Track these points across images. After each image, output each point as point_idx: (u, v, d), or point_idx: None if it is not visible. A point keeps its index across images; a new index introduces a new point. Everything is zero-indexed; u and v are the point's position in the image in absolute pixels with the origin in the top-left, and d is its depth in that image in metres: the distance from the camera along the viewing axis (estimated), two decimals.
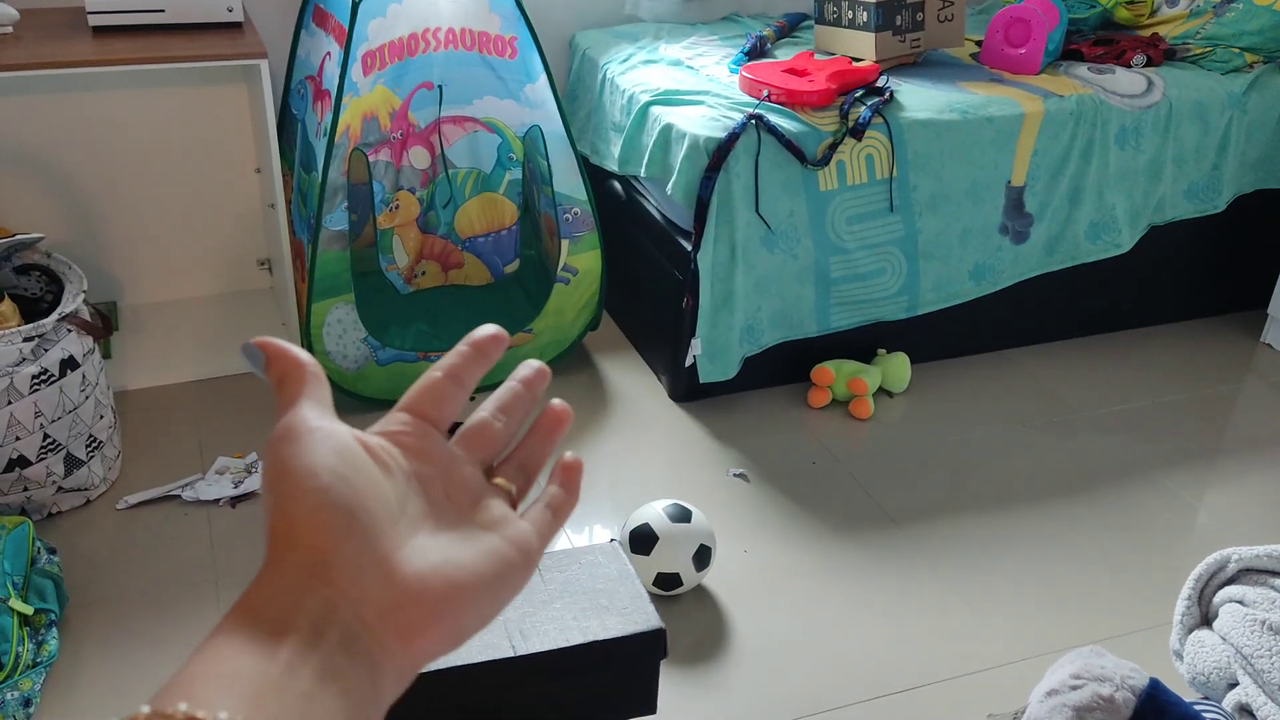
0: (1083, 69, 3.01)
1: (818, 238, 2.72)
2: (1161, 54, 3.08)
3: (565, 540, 2.34)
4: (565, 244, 2.78)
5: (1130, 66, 3.03)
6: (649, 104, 2.77)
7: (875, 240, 2.78)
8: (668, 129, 2.68)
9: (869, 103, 2.70)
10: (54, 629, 1.98)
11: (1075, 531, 2.45)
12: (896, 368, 2.89)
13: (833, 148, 2.63)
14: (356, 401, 2.70)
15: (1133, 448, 2.76)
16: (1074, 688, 1.13)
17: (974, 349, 3.11)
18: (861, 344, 2.91)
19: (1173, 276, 3.26)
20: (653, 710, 1.37)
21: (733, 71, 2.91)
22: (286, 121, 2.93)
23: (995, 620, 2.20)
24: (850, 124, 2.65)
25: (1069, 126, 2.85)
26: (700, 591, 2.23)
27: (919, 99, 2.78)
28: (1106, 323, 3.26)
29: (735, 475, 2.59)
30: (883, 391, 2.91)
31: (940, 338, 3.02)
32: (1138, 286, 3.22)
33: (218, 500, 2.41)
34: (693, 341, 2.72)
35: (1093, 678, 1.13)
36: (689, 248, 2.66)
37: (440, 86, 2.77)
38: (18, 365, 2.15)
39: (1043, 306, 3.11)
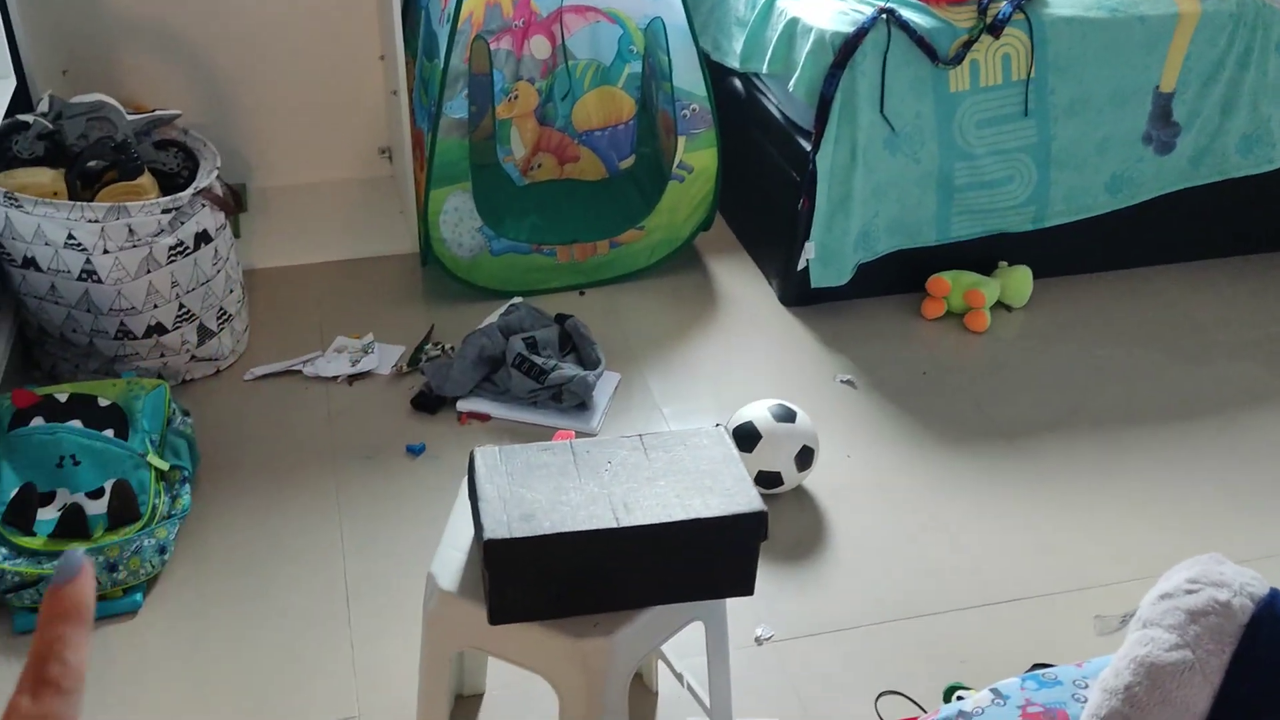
0: None
1: (943, 142, 2.62)
2: None
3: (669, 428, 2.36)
4: (682, 141, 2.75)
5: None
6: None
7: (1005, 146, 2.66)
8: (793, 23, 2.59)
9: None
10: (187, 485, 2.11)
11: (1197, 458, 2.36)
12: (1018, 281, 2.79)
13: (967, 45, 2.51)
14: (471, 290, 2.75)
15: (1267, 376, 2.62)
16: (1189, 592, 1.10)
17: (1102, 265, 2.98)
18: (981, 255, 2.82)
19: None
20: (750, 591, 1.39)
21: None
22: (410, 8, 2.94)
23: (1106, 540, 2.14)
24: (988, 20, 2.52)
25: (1227, 30, 2.65)
26: (800, 492, 2.24)
27: None
28: (1250, 244, 3.07)
29: (843, 382, 2.56)
30: (1001, 305, 2.82)
31: (1067, 252, 2.90)
32: None
33: (336, 377, 2.50)
34: (806, 245, 2.67)
35: (1210, 583, 1.09)
36: (808, 148, 2.60)
37: None
38: (156, 236, 2.25)
39: (1182, 223, 2.95)
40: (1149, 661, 1.08)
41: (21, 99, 2.51)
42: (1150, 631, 1.10)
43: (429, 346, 2.58)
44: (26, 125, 2.35)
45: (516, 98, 2.89)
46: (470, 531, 1.47)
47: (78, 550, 0.44)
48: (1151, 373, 2.62)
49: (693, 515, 1.32)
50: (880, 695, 1.82)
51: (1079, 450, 2.36)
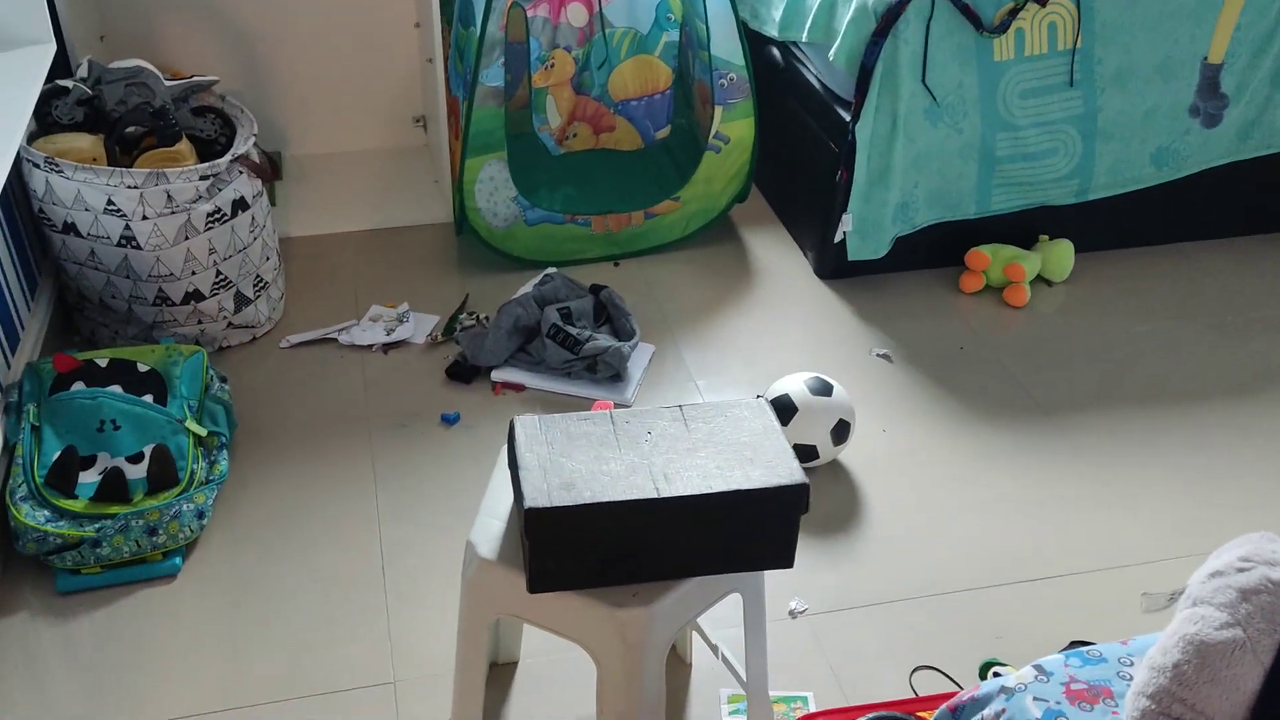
0: None
1: (986, 112, 2.58)
2: None
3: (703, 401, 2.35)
4: (719, 111, 2.72)
5: None
6: None
7: (1050, 117, 2.61)
8: None
9: None
10: (224, 450, 2.13)
11: (1240, 435, 2.32)
12: (1059, 255, 2.75)
13: (1013, 13, 2.46)
14: (505, 260, 2.74)
15: None
16: (1241, 570, 1.08)
17: (1145, 240, 2.93)
18: (1022, 228, 2.78)
19: None
20: (790, 564, 1.38)
21: None
22: None
23: (1146, 517, 2.11)
24: None
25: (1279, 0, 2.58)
26: (836, 466, 2.22)
27: None
28: None
29: (878, 355, 2.53)
30: (1041, 280, 2.78)
31: (1109, 226, 2.85)
32: None
33: (371, 346, 2.51)
34: (844, 217, 2.64)
35: (1263, 561, 1.07)
36: (847, 118, 2.56)
37: None
38: (194, 202, 2.26)
39: (1227, 198, 2.88)
40: (1199, 640, 1.06)
41: (61, 64, 2.52)
42: (1200, 609, 1.08)
43: (464, 316, 2.58)
44: (66, 90, 2.36)
45: (553, 66, 2.87)
46: (509, 500, 1.47)
47: None
48: (1194, 349, 2.58)
49: (733, 486, 1.31)
50: (915, 670, 1.81)
51: (1120, 426, 2.33)
